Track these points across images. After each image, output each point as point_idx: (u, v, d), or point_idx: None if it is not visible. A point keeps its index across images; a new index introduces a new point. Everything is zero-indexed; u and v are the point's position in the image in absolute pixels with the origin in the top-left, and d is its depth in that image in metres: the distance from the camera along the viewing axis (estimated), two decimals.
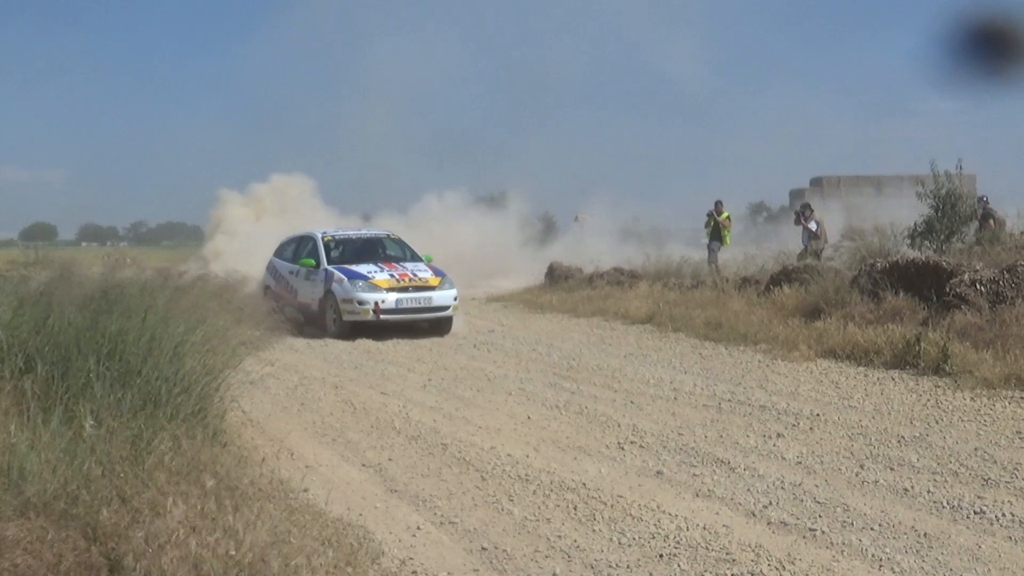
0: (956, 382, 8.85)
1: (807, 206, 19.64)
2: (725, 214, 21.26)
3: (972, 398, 8.34)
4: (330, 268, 14.78)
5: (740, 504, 5.70)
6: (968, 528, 5.22)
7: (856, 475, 6.25)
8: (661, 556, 4.88)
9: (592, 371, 10.65)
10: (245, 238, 26.12)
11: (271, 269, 16.67)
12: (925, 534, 5.10)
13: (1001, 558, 4.77)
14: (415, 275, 14.53)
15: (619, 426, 7.83)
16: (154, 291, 7.25)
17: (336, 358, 12.30)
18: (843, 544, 4.97)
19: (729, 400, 8.76)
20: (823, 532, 5.16)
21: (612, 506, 5.70)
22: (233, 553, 3.67)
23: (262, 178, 32.94)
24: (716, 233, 20.98)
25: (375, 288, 14.09)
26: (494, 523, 5.48)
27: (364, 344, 13.48)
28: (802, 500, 5.75)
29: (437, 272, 14.96)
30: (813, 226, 18.46)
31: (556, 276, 21.35)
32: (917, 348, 9.73)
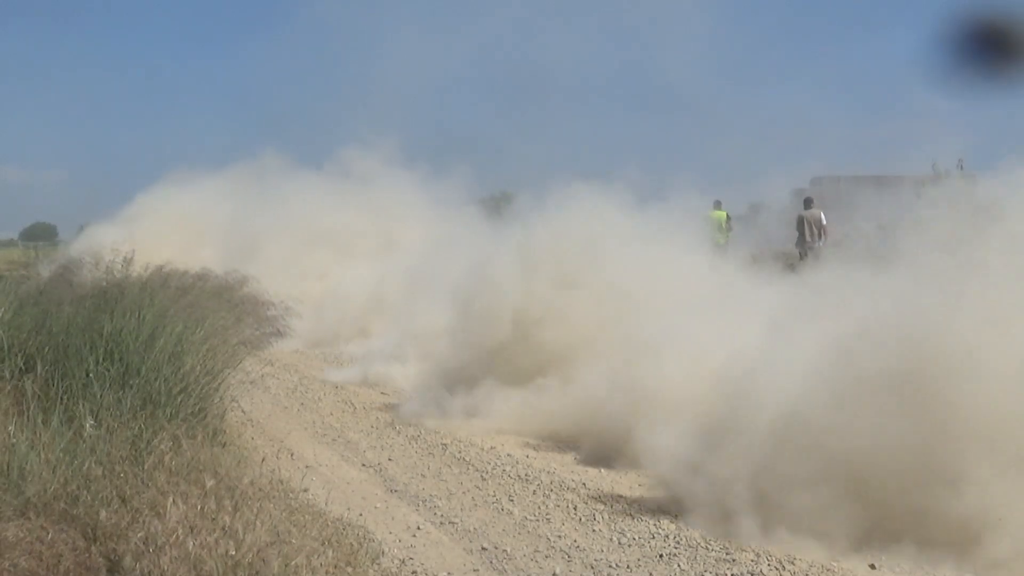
0: None
1: (808, 200, 18.67)
2: (718, 213, 20.00)
3: None
4: None
5: None
6: None
7: None
8: (661, 556, 4.87)
9: None
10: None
11: None
12: None
13: None
14: None
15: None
16: (153, 291, 7.24)
17: (336, 358, 12.29)
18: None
19: None
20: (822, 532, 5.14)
21: (612, 506, 5.69)
22: (233, 553, 3.67)
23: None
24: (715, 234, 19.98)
25: None
26: (494, 523, 5.47)
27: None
28: None
29: None
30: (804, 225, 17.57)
31: None
32: None
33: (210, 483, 4.34)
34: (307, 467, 6.48)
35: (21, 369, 5.52)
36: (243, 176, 21.68)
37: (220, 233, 18.58)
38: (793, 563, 4.71)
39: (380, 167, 20.16)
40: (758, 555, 4.82)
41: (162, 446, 4.81)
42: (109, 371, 5.53)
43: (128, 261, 8.73)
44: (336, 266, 16.10)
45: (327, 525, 4.72)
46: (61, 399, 5.14)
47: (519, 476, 6.38)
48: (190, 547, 3.65)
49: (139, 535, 3.74)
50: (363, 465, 6.80)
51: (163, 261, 12.10)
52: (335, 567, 4.01)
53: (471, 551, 5.04)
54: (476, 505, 5.83)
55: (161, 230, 19.70)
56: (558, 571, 4.73)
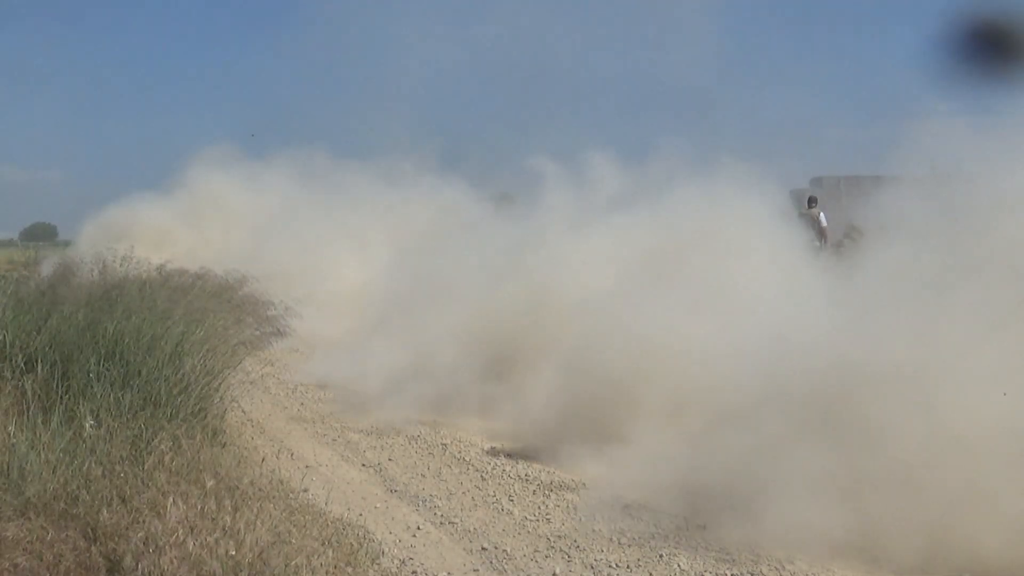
0: None
1: (812, 199, 18.84)
2: None
3: None
4: None
5: None
6: None
7: None
8: (661, 556, 4.88)
9: None
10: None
11: None
12: None
13: None
14: None
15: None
16: (154, 291, 7.26)
17: (336, 357, 12.28)
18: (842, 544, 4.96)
19: None
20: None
21: (611, 506, 5.69)
22: (233, 553, 3.68)
23: None
24: None
25: None
26: (494, 523, 5.48)
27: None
28: None
29: None
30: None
31: None
32: None
33: (210, 483, 4.34)
34: (307, 467, 6.48)
35: (22, 369, 5.52)
36: (290, 168, 21.80)
37: (262, 223, 18.61)
38: (792, 563, 4.72)
39: (417, 168, 20.48)
40: (758, 555, 4.83)
41: (162, 446, 4.82)
42: (110, 371, 5.54)
43: (129, 260, 8.74)
44: (362, 264, 16.15)
45: (327, 525, 4.73)
46: (61, 399, 5.15)
47: (519, 476, 6.38)
48: (190, 547, 3.65)
49: (139, 535, 3.74)
50: (363, 465, 6.80)
51: (204, 243, 11.93)
52: (335, 567, 4.02)
53: (471, 551, 5.04)
54: (476, 505, 5.84)
55: (206, 212, 20.13)
56: (558, 571, 4.74)
